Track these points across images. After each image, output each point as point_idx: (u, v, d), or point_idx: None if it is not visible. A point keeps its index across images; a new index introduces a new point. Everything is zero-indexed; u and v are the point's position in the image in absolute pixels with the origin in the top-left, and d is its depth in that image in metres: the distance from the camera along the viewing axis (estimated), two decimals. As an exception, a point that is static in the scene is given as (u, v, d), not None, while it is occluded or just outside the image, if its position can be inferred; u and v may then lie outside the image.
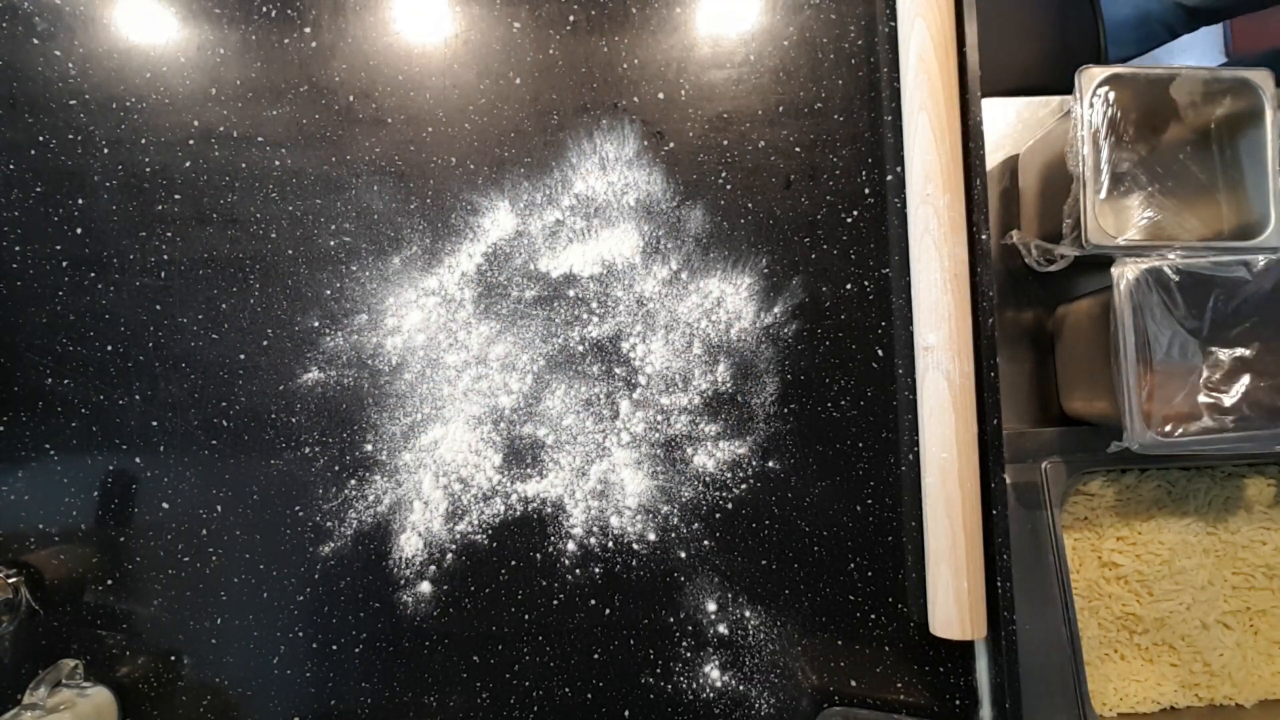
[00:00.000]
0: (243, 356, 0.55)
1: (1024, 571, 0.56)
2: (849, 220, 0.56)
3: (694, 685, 0.54)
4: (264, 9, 0.56)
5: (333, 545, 0.54)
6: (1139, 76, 0.54)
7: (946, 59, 0.53)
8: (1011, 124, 0.65)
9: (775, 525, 0.55)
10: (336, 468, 0.54)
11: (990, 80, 0.54)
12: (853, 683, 0.54)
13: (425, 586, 0.54)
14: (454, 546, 0.54)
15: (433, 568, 0.54)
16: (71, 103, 0.55)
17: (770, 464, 0.55)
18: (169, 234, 0.55)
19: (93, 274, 0.54)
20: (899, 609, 0.55)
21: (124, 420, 0.54)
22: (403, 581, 0.54)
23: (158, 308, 0.55)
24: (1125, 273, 0.51)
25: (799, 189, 0.57)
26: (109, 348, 0.54)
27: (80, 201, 0.55)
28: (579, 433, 0.55)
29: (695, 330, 0.56)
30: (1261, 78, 0.54)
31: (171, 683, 0.54)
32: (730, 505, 0.55)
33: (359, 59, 0.56)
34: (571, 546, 0.54)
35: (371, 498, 0.54)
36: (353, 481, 0.54)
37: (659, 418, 0.55)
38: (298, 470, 0.54)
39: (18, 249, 0.54)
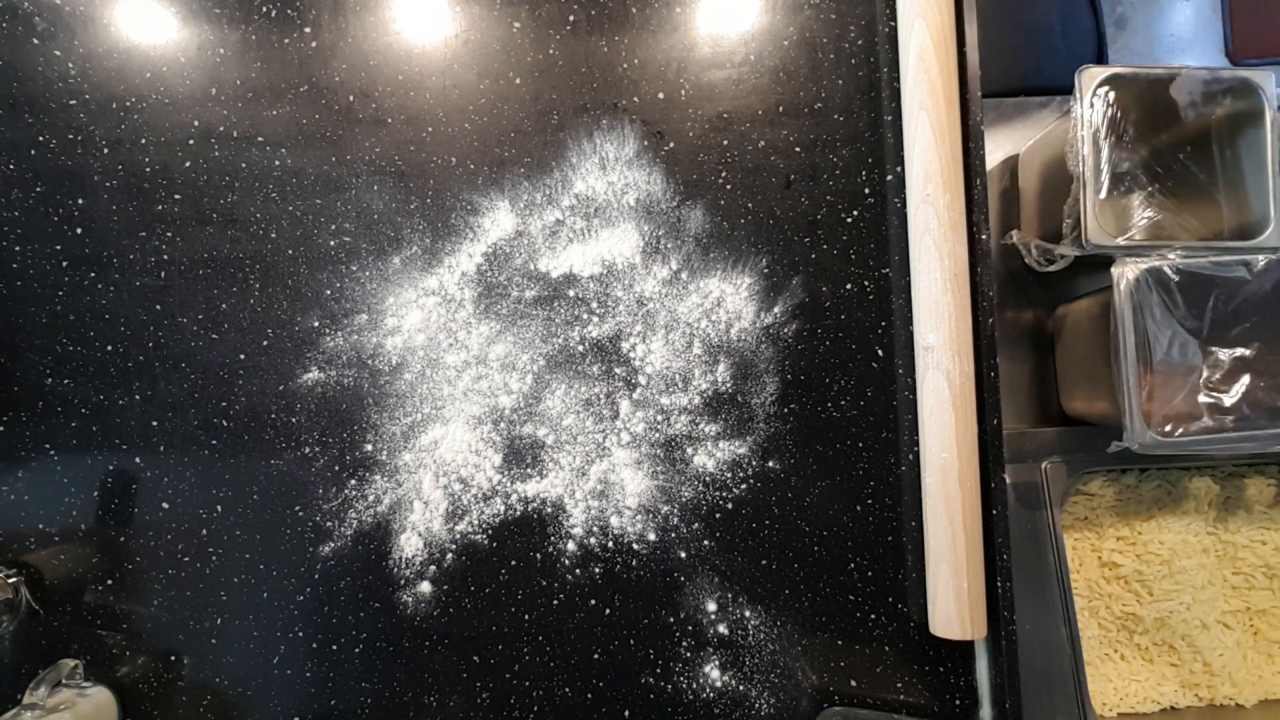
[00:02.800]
0: (243, 356, 0.55)
1: (1024, 571, 0.56)
2: (849, 220, 0.56)
3: (694, 685, 0.54)
4: (264, 9, 0.56)
5: (333, 545, 0.54)
6: (1139, 76, 0.54)
7: (946, 59, 0.53)
8: (1011, 124, 0.65)
9: (775, 525, 0.55)
10: (336, 468, 0.54)
11: (990, 80, 0.54)
12: (853, 683, 0.54)
13: (425, 586, 0.54)
14: (454, 546, 0.54)
15: (433, 568, 0.54)
16: (71, 103, 0.55)
17: (770, 464, 0.55)
18: (169, 234, 0.55)
19: (93, 274, 0.54)
20: (899, 609, 0.55)
21: (124, 420, 0.54)
22: (403, 581, 0.54)
23: (158, 308, 0.55)
24: (1125, 273, 0.51)
25: (799, 189, 0.57)
26: (109, 348, 0.54)
27: (80, 201, 0.55)
28: (579, 433, 0.55)
29: (695, 330, 0.56)
30: (1261, 78, 0.54)
31: (171, 683, 0.54)
32: (730, 505, 0.55)
33: (359, 59, 0.56)
34: (571, 546, 0.54)
35: (371, 498, 0.54)
36: (353, 481, 0.54)
37: (659, 418, 0.55)
38: (298, 470, 0.54)
39: (18, 249, 0.54)
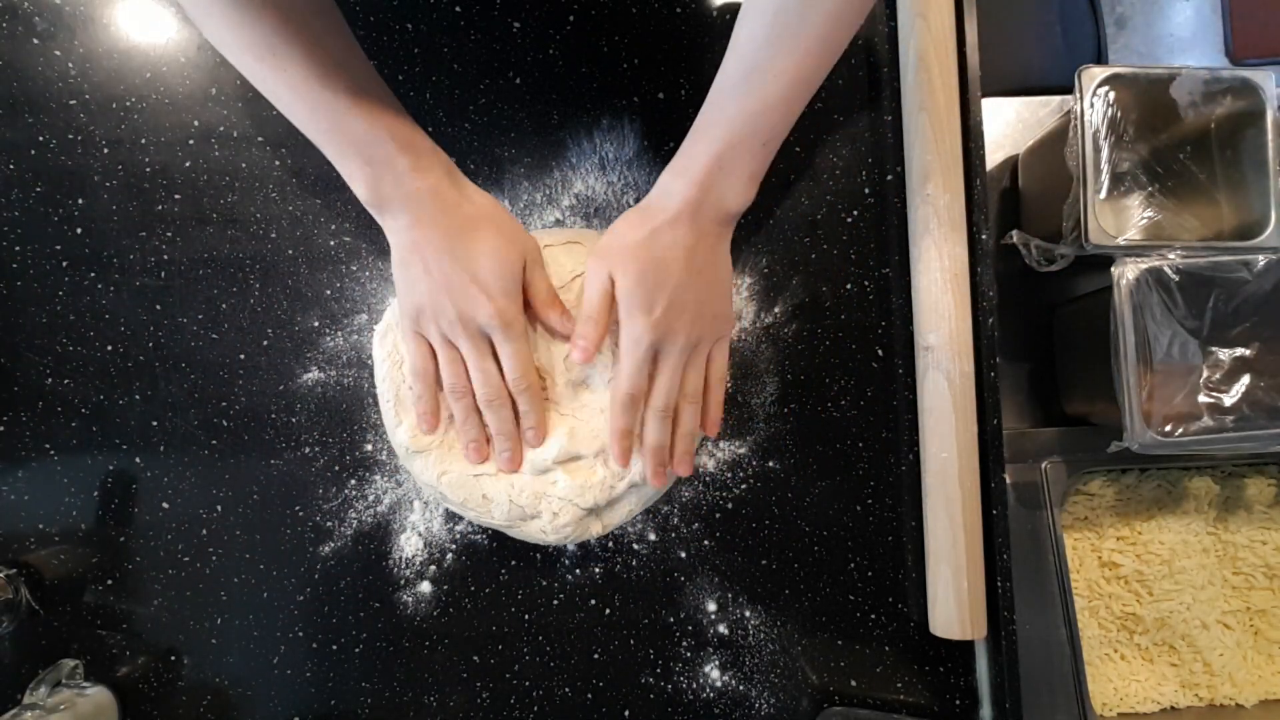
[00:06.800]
0: (243, 356, 0.55)
1: (1024, 571, 0.56)
2: (849, 220, 0.56)
3: (694, 685, 0.54)
4: (264, 9, 0.55)
5: (333, 545, 0.54)
6: (1139, 76, 0.54)
7: (946, 59, 0.53)
8: (1011, 124, 0.65)
9: (775, 525, 0.55)
10: (336, 468, 0.54)
11: (990, 80, 0.53)
12: (853, 683, 0.54)
13: (425, 586, 0.54)
14: (454, 546, 0.54)
15: (433, 568, 0.54)
16: (71, 103, 0.55)
17: (770, 464, 0.55)
18: (169, 234, 0.55)
19: (93, 274, 0.54)
20: (899, 609, 0.55)
21: (124, 420, 0.54)
22: (403, 581, 0.54)
23: (158, 308, 0.55)
24: (1125, 273, 0.51)
25: (799, 189, 0.56)
26: (109, 348, 0.54)
27: (80, 201, 0.55)
28: (579, 433, 0.55)
29: (695, 330, 0.55)
30: (1261, 78, 0.54)
31: (171, 683, 0.54)
32: (730, 505, 0.55)
33: (359, 59, 0.55)
34: (571, 546, 0.54)
35: (371, 498, 0.54)
36: (353, 481, 0.54)
37: (659, 418, 0.55)
38: (298, 470, 0.54)
39: (18, 249, 0.54)
